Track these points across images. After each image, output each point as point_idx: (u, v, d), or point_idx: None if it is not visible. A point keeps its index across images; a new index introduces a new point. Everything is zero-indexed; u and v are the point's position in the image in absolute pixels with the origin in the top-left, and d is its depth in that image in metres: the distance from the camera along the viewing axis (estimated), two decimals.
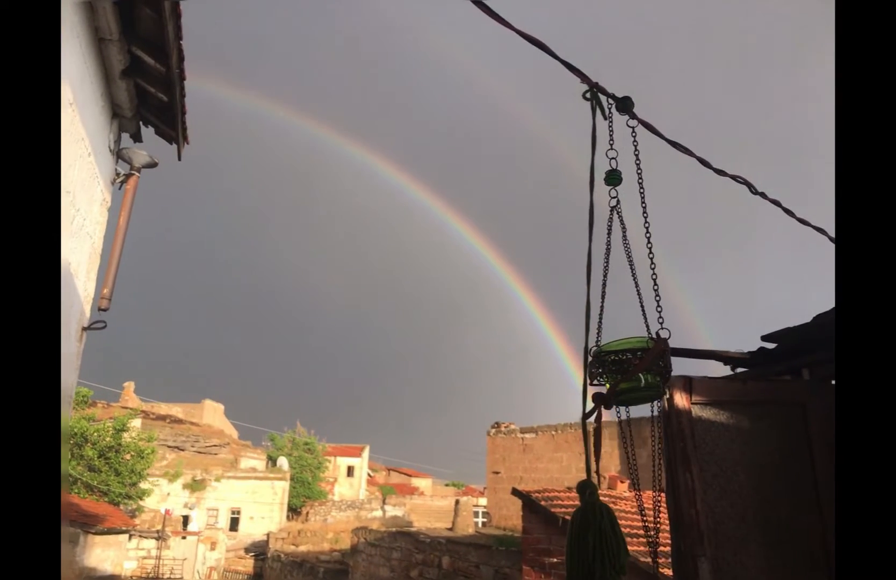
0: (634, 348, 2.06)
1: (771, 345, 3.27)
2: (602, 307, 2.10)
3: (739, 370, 3.46)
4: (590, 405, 2.00)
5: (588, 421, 1.97)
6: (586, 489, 1.85)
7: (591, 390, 2.05)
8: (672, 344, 2.50)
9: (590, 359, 2.06)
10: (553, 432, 24.33)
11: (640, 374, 2.01)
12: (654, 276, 2.08)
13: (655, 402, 2.60)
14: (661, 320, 2.06)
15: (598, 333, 2.09)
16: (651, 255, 2.11)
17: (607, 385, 2.08)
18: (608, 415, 2.08)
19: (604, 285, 2.11)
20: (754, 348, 3.43)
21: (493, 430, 26.76)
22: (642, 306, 2.10)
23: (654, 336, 2.05)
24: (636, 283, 2.10)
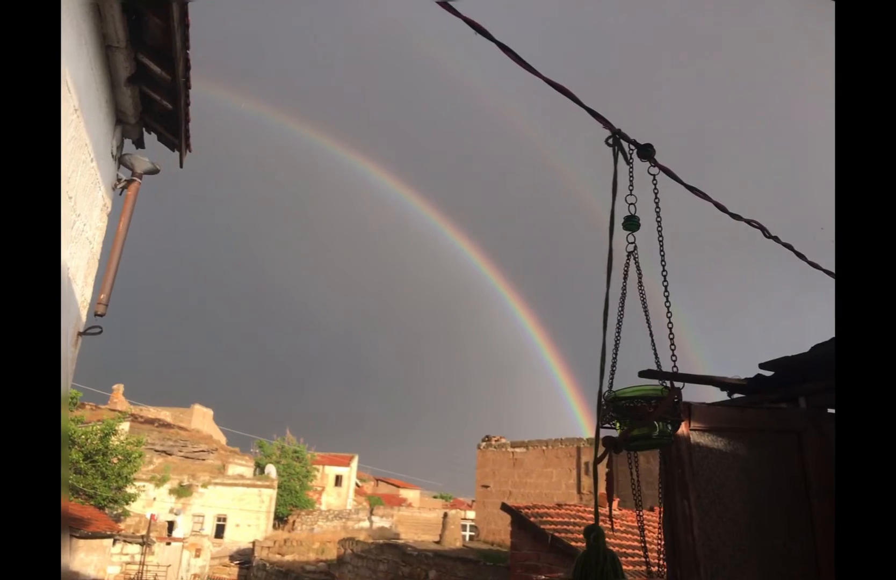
0: (649, 396, 2.06)
1: (768, 373, 3.30)
2: (616, 352, 2.11)
3: (736, 396, 3.48)
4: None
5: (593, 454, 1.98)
6: (592, 532, 1.87)
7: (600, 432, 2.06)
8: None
9: (603, 403, 2.06)
10: (543, 447, 24.32)
11: (655, 422, 2.01)
12: (670, 325, 2.09)
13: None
14: (675, 367, 2.08)
15: (611, 378, 2.09)
16: (668, 304, 2.13)
17: (618, 427, 2.08)
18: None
19: (618, 330, 2.12)
20: (749, 375, 3.46)
21: (484, 444, 26.71)
22: (655, 352, 2.12)
23: (668, 385, 2.07)
24: (650, 329, 2.12)
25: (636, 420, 2.02)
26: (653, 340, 2.13)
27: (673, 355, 2.09)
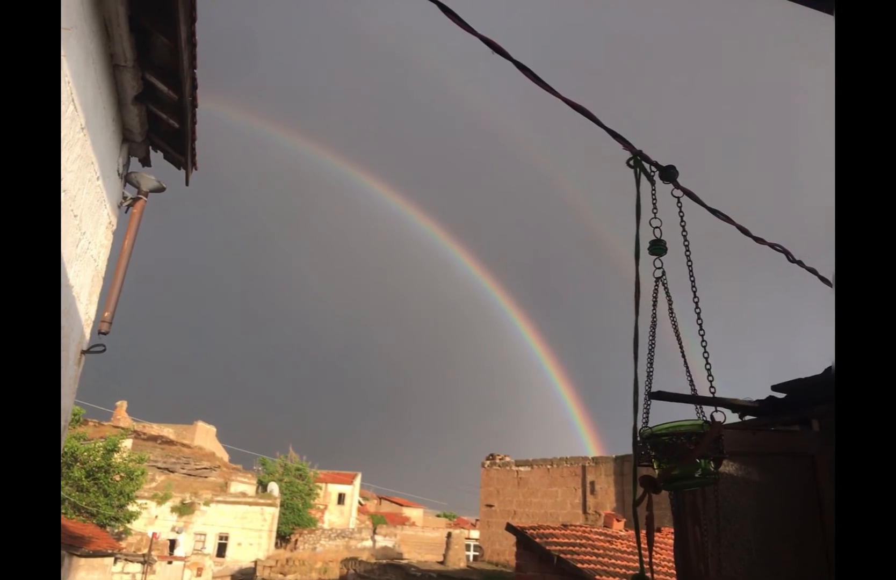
0: (689, 432, 1.93)
1: (781, 395, 3.24)
2: (650, 385, 2.01)
3: (748, 419, 3.42)
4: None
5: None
6: None
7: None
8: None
9: (639, 440, 1.95)
10: (548, 466, 24.11)
11: (698, 460, 1.89)
12: (705, 354, 1.99)
13: None
14: (713, 391, 1.99)
15: (646, 412, 1.99)
16: (702, 332, 2.04)
17: (655, 465, 1.96)
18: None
19: (650, 362, 2.01)
20: (761, 397, 3.40)
21: (488, 462, 26.51)
22: (691, 382, 2.03)
23: (710, 419, 1.96)
24: (684, 358, 2.04)
25: (676, 458, 1.89)
26: (688, 369, 2.03)
27: (711, 387, 2.00)
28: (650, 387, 2.01)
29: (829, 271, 2.80)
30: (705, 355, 2.02)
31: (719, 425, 1.91)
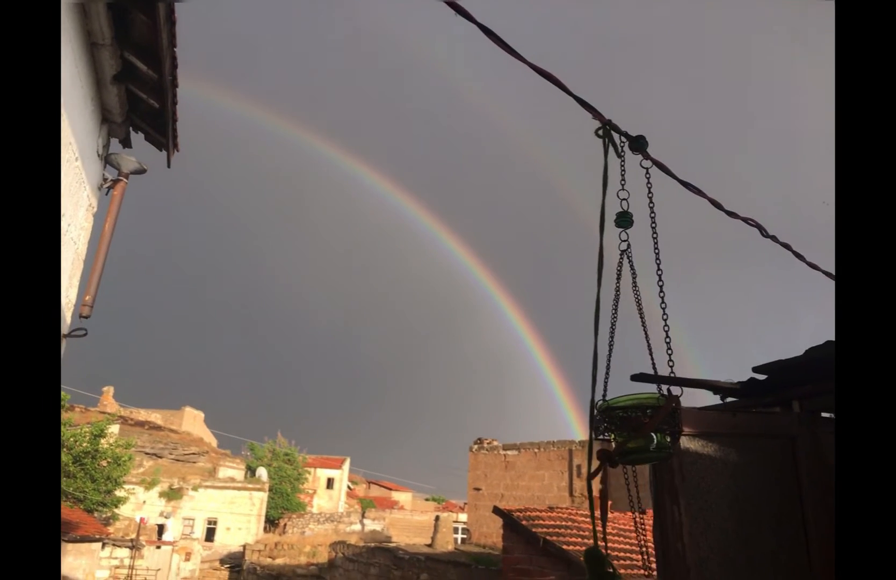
0: (644, 405, 1.94)
1: (761, 377, 3.27)
2: (610, 358, 2.01)
3: (729, 400, 3.45)
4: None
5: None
6: (593, 560, 1.80)
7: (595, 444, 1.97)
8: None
9: (596, 413, 1.96)
10: (535, 450, 24.28)
11: (653, 434, 1.91)
12: (666, 329, 2.01)
13: None
14: (672, 372, 2.01)
15: (605, 386, 2.00)
16: (664, 305, 2.06)
17: (613, 439, 1.98)
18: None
19: (611, 335, 2.02)
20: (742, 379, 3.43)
21: (476, 446, 26.65)
22: (652, 358, 2.04)
23: (666, 393, 1.98)
24: (646, 333, 2.05)
25: (631, 431, 1.89)
26: (649, 345, 2.04)
27: (670, 361, 2.01)
28: (610, 361, 2.02)
29: (812, 252, 2.82)
30: (665, 328, 2.04)
31: (675, 398, 1.94)
